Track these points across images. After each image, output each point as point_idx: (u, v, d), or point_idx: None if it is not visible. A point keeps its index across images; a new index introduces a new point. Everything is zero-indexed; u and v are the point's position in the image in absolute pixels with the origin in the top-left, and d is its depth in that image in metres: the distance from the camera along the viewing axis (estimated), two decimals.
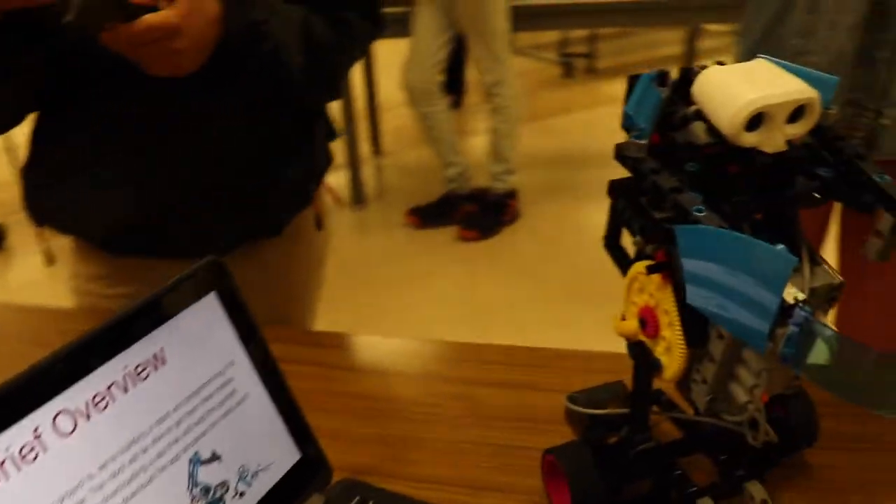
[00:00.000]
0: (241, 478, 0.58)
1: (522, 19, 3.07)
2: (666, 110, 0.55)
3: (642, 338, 0.59)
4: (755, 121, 0.49)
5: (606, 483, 0.60)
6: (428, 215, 3.06)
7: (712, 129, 0.52)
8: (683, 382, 0.68)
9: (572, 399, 0.66)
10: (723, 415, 0.56)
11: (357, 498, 0.63)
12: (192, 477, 0.56)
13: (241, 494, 0.58)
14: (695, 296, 0.45)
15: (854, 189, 0.51)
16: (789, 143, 0.50)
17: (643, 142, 0.51)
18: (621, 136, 0.58)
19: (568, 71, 5.07)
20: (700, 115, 0.54)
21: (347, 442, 0.73)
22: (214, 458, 0.58)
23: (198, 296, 0.61)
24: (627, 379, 0.68)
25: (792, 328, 0.41)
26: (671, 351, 0.56)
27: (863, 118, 1.02)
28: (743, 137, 0.49)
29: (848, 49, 1.01)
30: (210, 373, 0.60)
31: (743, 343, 0.52)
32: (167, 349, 0.57)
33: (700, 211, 0.46)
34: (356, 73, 3.39)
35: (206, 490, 0.57)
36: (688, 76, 0.56)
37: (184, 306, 0.59)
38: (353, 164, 3.17)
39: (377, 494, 0.64)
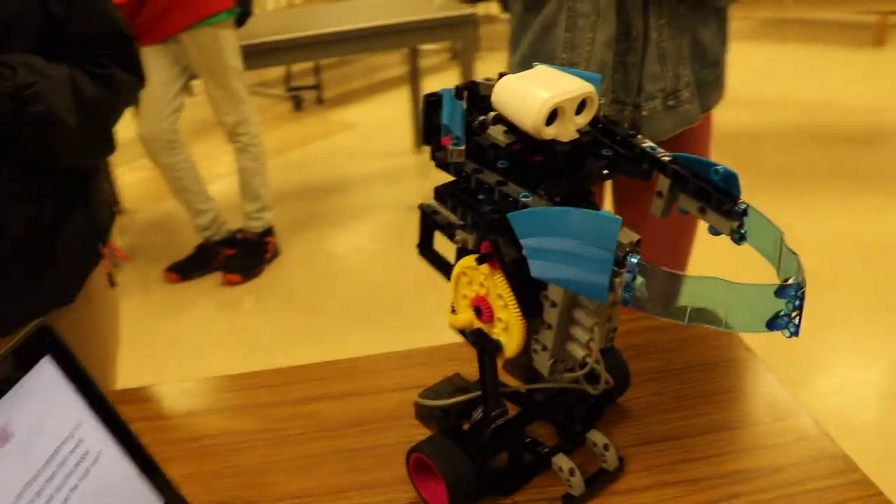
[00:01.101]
0: None
1: (251, 57, 3.09)
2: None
3: (479, 325, 0.66)
4: (551, 116, 0.57)
5: (473, 465, 0.66)
6: (187, 269, 2.95)
7: (513, 130, 0.60)
8: (512, 361, 0.76)
9: (423, 396, 0.71)
10: (565, 375, 0.64)
11: None
12: None
13: None
14: (538, 269, 0.52)
15: (633, 162, 0.61)
16: (578, 131, 0.59)
17: (462, 147, 0.58)
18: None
19: (298, 104, 5.12)
20: (499, 120, 0.62)
21: (201, 483, 0.73)
22: None
23: (30, 364, 0.59)
24: (459, 369, 0.75)
25: (627, 275, 0.49)
26: (509, 329, 0.63)
27: (625, 112, 1.22)
28: (544, 131, 0.57)
29: (607, 60, 1.19)
30: (60, 437, 0.58)
31: (574, 305, 0.60)
32: (11, 423, 0.55)
33: (527, 196, 0.53)
34: None
35: None
36: (476, 89, 0.64)
37: (18, 377, 0.57)
38: None
39: None
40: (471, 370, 0.84)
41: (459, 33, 3.51)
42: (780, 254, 0.53)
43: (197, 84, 3.33)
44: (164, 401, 0.89)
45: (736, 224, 0.55)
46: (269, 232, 3.03)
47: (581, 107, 0.59)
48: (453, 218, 0.68)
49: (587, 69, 1.16)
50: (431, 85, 4.21)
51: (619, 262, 0.49)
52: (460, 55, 3.68)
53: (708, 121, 1.35)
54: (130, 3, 2.59)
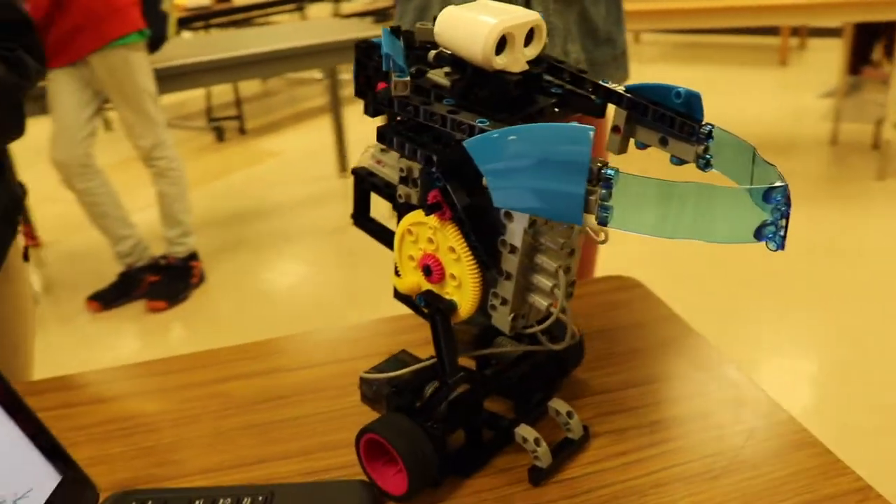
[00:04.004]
0: None
1: (167, 81, 3.01)
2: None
3: (429, 286, 0.61)
4: (501, 45, 0.53)
5: (433, 444, 0.60)
6: (109, 297, 2.82)
7: (456, 68, 0.56)
8: (462, 338, 0.71)
9: (369, 374, 0.65)
10: (527, 330, 0.59)
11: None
12: None
13: None
14: (502, 198, 0.47)
15: (584, 99, 0.57)
16: (528, 64, 0.55)
17: (406, 79, 0.53)
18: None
19: (220, 135, 5.03)
20: (440, 61, 0.57)
21: (106, 465, 0.69)
22: None
23: None
24: (390, 343, 0.69)
25: (602, 189, 0.44)
26: (463, 286, 0.58)
27: None
28: (494, 61, 0.53)
29: None
30: None
31: (535, 250, 0.55)
32: None
33: (484, 122, 0.49)
34: None
35: None
36: (411, 36, 0.60)
37: None
38: None
39: (154, 495, 0.61)
40: (410, 344, 0.80)
41: None
42: (752, 169, 0.50)
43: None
44: (72, 390, 0.83)
45: (702, 148, 0.52)
46: (193, 257, 2.93)
47: (529, 39, 0.55)
48: (393, 177, 0.64)
49: None
50: (350, 114, 4.18)
51: (595, 176, 0.45)
52: None
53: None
54: (38, 24, 2.49)
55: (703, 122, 0.52)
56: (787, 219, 0.45)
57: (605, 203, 0.45)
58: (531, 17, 0.54)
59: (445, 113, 0.51)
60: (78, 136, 2.63)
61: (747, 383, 0.72)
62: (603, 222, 0.45)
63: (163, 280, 2.84)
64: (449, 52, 0.56)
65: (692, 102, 0.52)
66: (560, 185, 0.45)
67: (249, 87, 6.20)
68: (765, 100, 5.02)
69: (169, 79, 3.02)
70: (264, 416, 0.73)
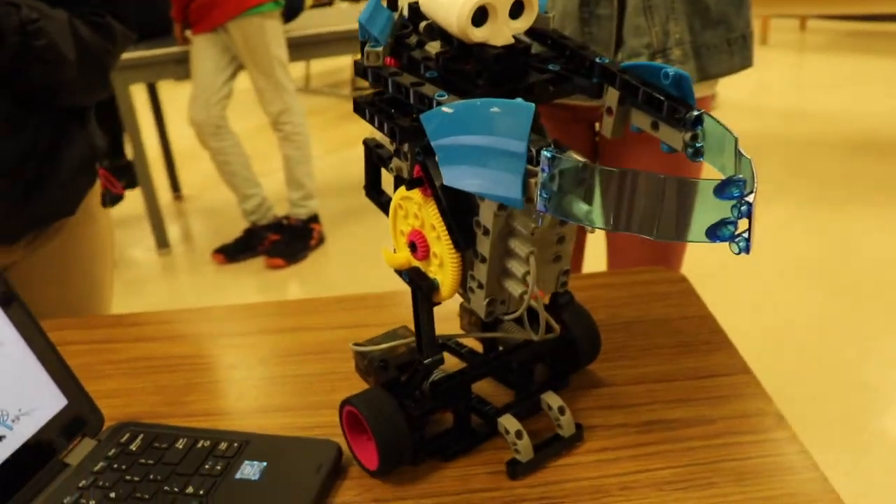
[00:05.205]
0: (1, 422, 0.58)
1: (313, 48, 3.11)
2: (400, 33, 0.57)
3: (416, 263, 0.60)
4: (481, 17, 0.51)
5: (410, 424, 0.59)
6: (233, 251, 2.98)
7: (444, 38, 0.54)
8: (470, 320, 0.69)
9: (359, 346, 0.65)
10: (504, 317, 0.57)
11: (127, 435, 0.63)
12: None
13: (2, 438, 0.57)
14: (451, 176, 0.46)
15: (582, 77, 0.54)
16: (516, 38, 0.53)
17: (379, 49, 0.52)
18: None
19: None
20: (431, 34, 0.56)
21: (125, 398, 0.74)
22: None
23: None
24: (404, 321, 0.70)
25: (542, 173, 0.42)
26: (444, 265, 0.56)
27: None
28: (472, 32, 0.51)
29: (571, 9, 1.14)
30: None
31: (509, 234, 0.53)
32: None
33: (442, 96, 0.48)
34: (147, 122, 3.28)
35: None
36: (417, 7, 0.59)
37: None
38: (153, 211, 3.04)
39: (148, 429, 0.65)
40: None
41: None
42: (735, 161, 0.45)
43: None
44: (125, 327, 0.89)
45: (689, 135, 0.48)
46: (314, 219, 3.03)
47: (519, 12, 0.53)
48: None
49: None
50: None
51: (534, 158, 0.42)
52: None
53: (708, 98, 1.27)
54: None
55: (692, 108, 0.48)
56: (750, 220, 0.41)
57: (547, 187, 0.42)
58: None
59: (409, 85, 0.49)
60: (213, 99, 2.77)
61: (760, 395, 0.67)
62: (545, 209, 0.42)
63: (283, 239, 2.96)
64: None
65: (682, 84, 0.49)
66: (500, 164, 0.43)
67: None
68: None
69: (314, 45, 3.11)
70: (276, 370, 0.76)
